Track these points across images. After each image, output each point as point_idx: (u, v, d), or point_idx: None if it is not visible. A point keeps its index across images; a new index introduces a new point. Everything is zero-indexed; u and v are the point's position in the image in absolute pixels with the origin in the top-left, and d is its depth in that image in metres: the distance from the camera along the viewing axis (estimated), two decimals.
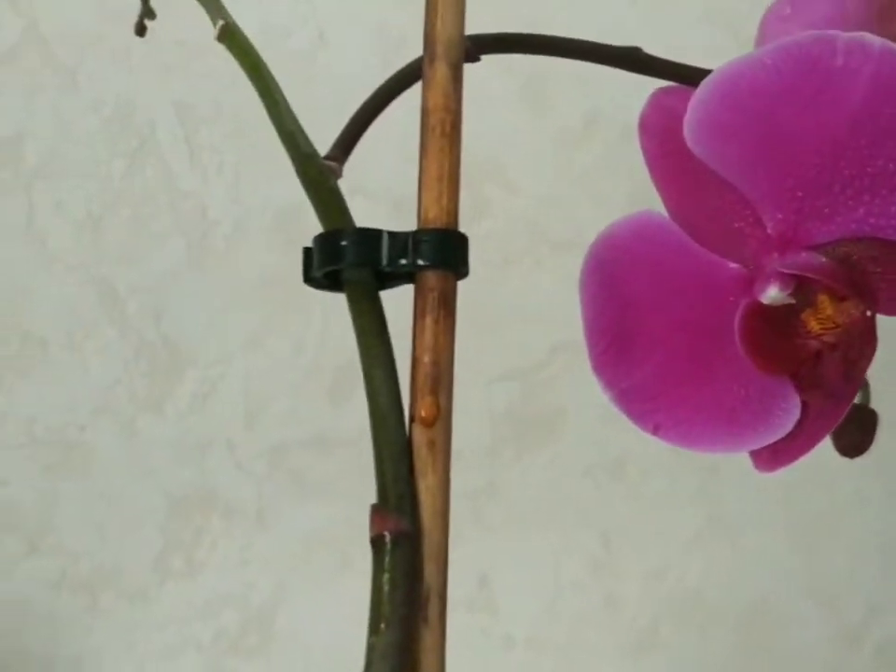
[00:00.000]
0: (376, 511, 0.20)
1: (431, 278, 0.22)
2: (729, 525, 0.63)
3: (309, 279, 0.23)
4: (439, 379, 0.21)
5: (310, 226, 0.58)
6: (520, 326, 0.61)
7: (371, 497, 0.62)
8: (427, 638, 0.19)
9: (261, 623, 0.59)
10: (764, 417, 0.25)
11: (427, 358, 0.21)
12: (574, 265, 0.28)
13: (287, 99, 0.24)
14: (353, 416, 0.59)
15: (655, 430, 0.28)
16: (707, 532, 0.63)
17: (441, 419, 0.20)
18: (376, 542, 0.19)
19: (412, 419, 0.21)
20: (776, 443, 0.25)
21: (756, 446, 0.26)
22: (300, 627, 0.60)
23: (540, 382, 0.61)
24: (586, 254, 0.27)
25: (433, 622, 0.19)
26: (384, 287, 0.22)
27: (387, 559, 0.19)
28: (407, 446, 0.20)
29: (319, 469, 0.59)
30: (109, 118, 0.56)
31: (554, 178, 0.59)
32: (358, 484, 0.61)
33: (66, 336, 0.55)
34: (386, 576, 0.19)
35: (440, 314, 0.21)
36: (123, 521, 0.56)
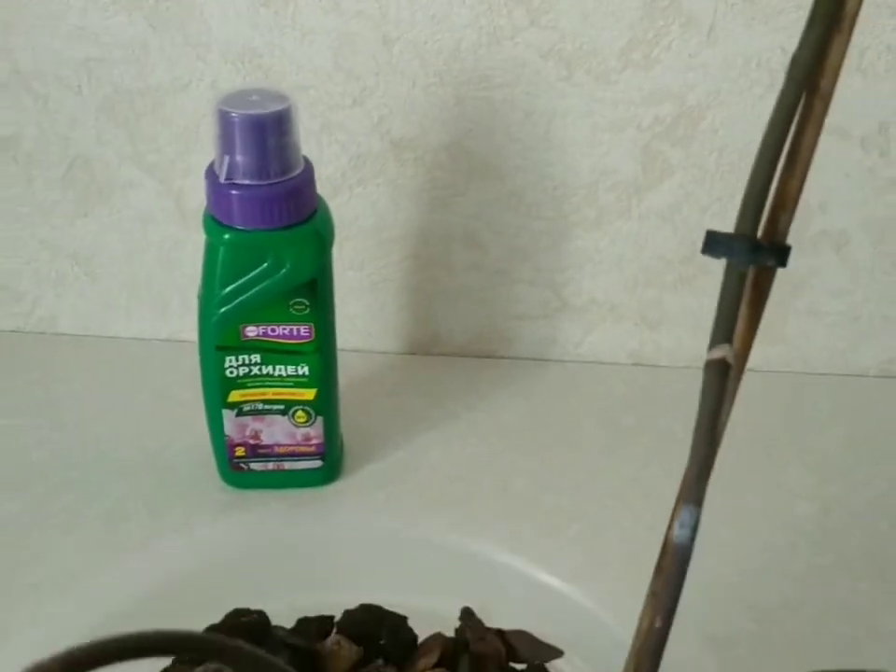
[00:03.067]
0: None
1: None
2: None
3: None
4: None
5: None
6: None
7: None
8: (836, 43, 0.32)
9: (691, 120, 0.74)
10: None
11: None
12: None
13: None
14: None
15: None
16: None
17: None
18: None
19: None
20: None
21: None
22: (721, 131, 0.74)
23: None
24: None
25: (844, 32, 0.32)
26: None
27: None
28: None
29: None
30: None
31: None
32: None
33: None
34: None
35: None
36: (604, 14, 0.71)
